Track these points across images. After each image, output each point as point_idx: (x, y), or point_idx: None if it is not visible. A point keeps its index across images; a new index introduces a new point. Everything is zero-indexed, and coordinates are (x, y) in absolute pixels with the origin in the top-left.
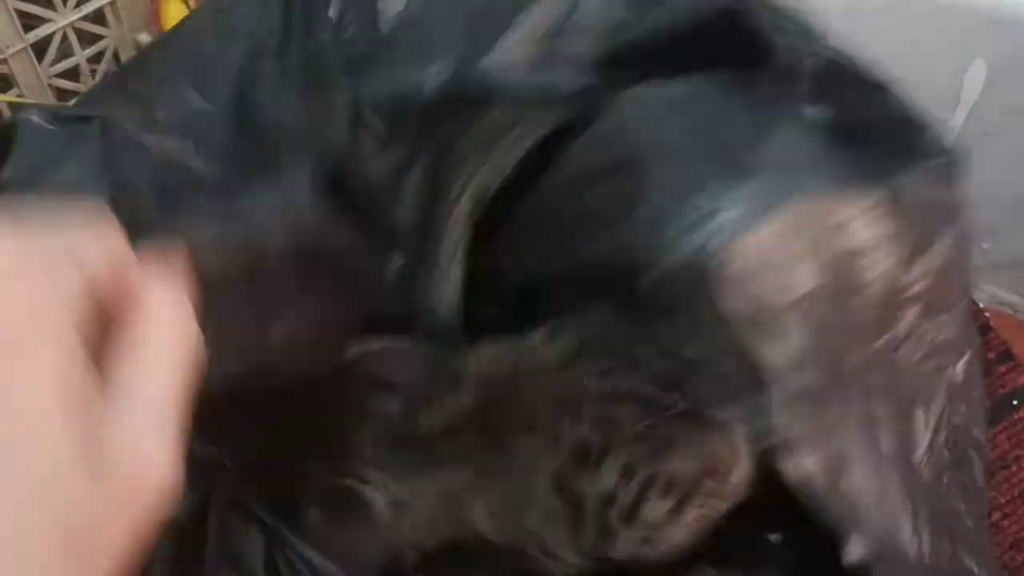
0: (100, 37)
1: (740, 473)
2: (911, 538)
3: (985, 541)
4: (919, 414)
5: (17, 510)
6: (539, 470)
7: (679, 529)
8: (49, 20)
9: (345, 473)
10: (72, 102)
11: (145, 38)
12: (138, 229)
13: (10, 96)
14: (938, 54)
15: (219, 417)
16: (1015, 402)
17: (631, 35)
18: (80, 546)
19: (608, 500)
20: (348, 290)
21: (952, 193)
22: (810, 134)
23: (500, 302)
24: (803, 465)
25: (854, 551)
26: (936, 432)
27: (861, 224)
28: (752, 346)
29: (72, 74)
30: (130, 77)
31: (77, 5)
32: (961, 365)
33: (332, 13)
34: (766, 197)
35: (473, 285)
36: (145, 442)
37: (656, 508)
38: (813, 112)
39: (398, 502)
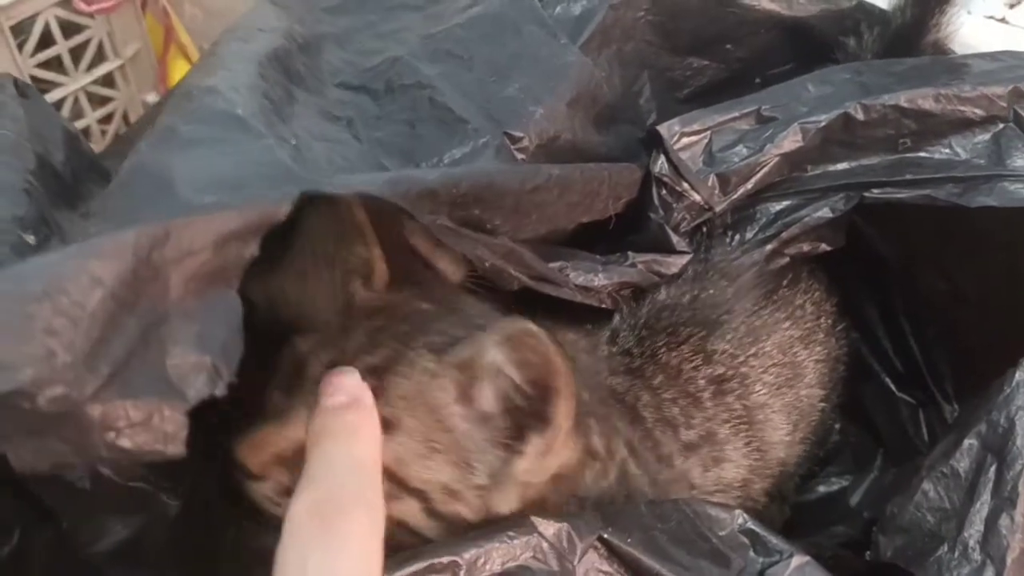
0: (110, 99)
1: None
2: None
3: None
4: None
5: None
6: None
7: None
8: (61, 84)
9: None
10: None
11: (153, 98)
12: None
13: None
14: None
15: None
16: None
17: None
18: None
19: None
20: None
21: None
22: None
23: None
24: None
25: None
26: None
27: None
28: None
29: (84, 135)
30: (140, 136)
31: (88, 69)
32: None
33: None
34: None
35: None
36: None
37: None
38: None
39: None
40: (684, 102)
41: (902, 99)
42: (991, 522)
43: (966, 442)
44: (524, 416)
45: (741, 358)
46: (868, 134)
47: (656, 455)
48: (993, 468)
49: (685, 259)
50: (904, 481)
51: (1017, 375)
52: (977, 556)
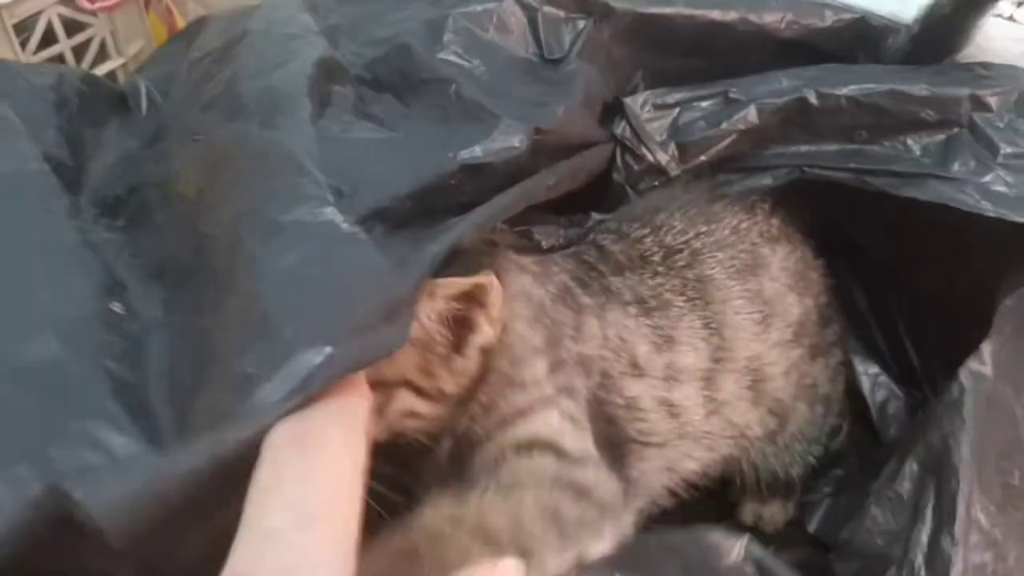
0: None
1: None
2: None
3: None
4: None
5: None
6: None
7: None
8: None
9: None
10: None
11: None
12: None
13: None
14: None
15: None
16: None
17: None
18: None
19: None
20: None
21: None
22: None
23: None
24: None
25: None
26: None
27: None
28: None
29: None
30: None
31: (91, 67)
32: None
33: None
34: None
35: None
36: None
37: None
38: None
39: None
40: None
41: (856, 92)
42: (934, 542)
43: (907, 465)
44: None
45: (691, 234)
46: (826, 122)
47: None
48: (932, 489)
49: None
50: (856, 505)
51: (949, 396)
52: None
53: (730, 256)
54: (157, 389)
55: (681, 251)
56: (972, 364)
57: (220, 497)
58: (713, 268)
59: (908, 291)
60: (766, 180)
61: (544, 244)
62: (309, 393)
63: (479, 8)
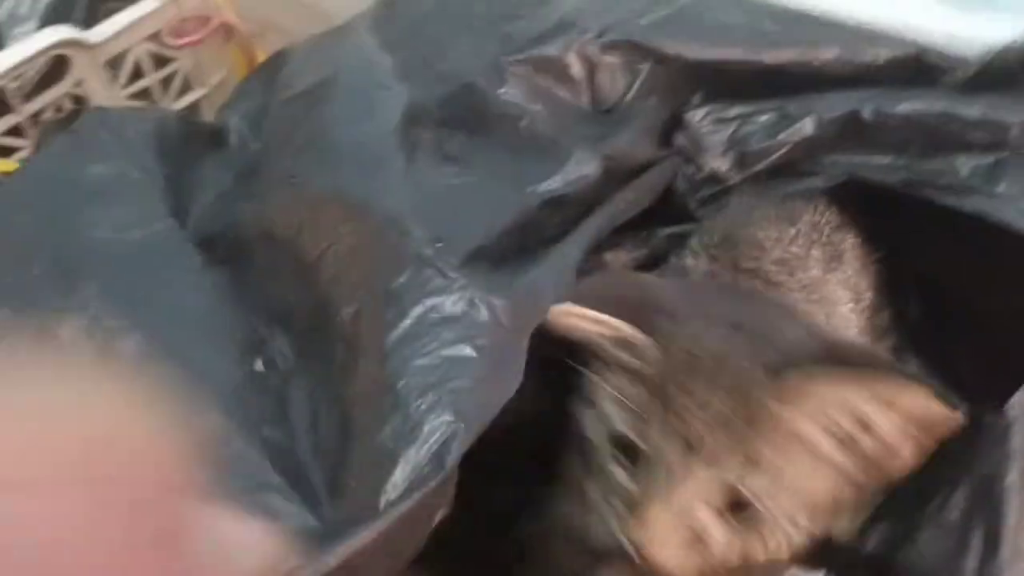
0: None
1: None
2: None
3: None
4: None
5: None
6: None
7: None
8: None
9: None
10: None
11: None
12: None
13: None
14: None
15: None
16: None
17: None
18: None
19: None
20: None
21: None
22: None
23: None
24: None
25: None
26: None
27: None
28: None
29: None
30: None
31: (176, 98)
32: None
33: None
34: None
35: None
36: None
37: None
38: None
39: None
40: None
41: (910, 111)
42: (982, 568)
43: (957, 493)
44: None
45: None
46: (878, 136)
47: None
48: (981, 517)
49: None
50: (911, 528)
51: (996, 427)
52: None
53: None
54: (305, 449)
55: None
56: (1020, 396)
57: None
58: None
59: (961, 312)
60: (817, 183)
61: (615, 265)
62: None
63: (542, 51)
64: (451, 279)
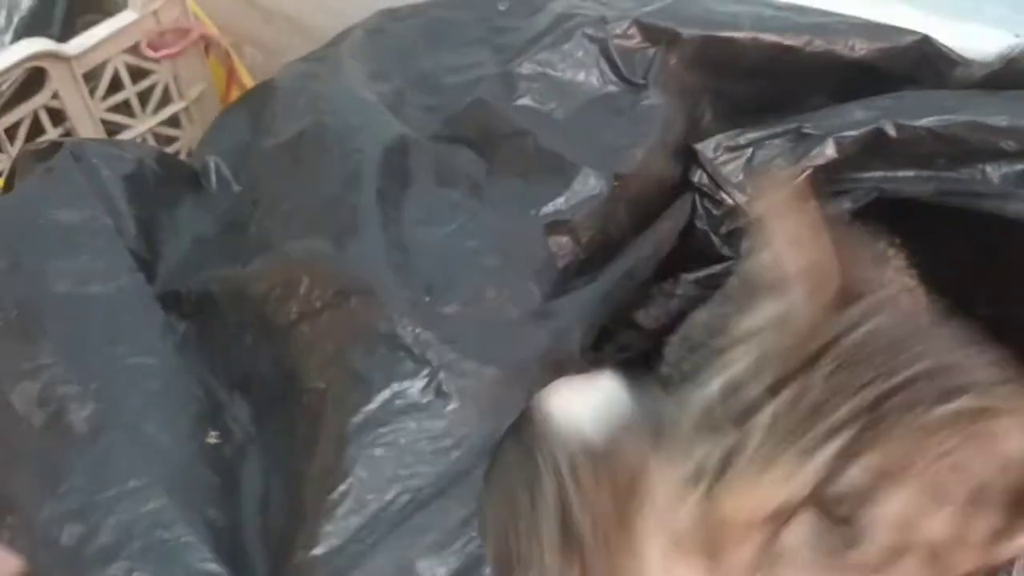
0: (175, 139)
1: None
2: None
3: None
4: None
5: None
6: None
7: None
8: (129, 126)
9: None
10: None
11: None
12: None
13: None
14: None
15: None
16: None
17: None
18: None
19: None
20: None
21: None
22: None
23: None
24: None
25: None
26: None
27: None
28: None
29: None
30: None
31: (155, 111)
32: None
33: None
34: None
35: None
36: None
37: None
38: None
39: None
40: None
41: (935, 123)
42: None
43: None
44: None
45: None
46: (903, 151)
47: None
48: None
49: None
50: None
51: None
52: None
53: None
54: (252, 533)
55: None
56: None
57: None
58: None
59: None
60: (846, 204)
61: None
62: None
63: (548, 50)
64: (423, 363)
